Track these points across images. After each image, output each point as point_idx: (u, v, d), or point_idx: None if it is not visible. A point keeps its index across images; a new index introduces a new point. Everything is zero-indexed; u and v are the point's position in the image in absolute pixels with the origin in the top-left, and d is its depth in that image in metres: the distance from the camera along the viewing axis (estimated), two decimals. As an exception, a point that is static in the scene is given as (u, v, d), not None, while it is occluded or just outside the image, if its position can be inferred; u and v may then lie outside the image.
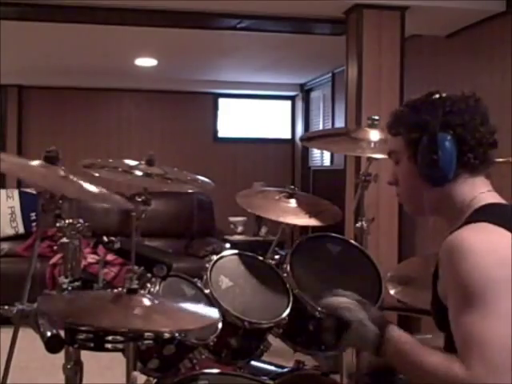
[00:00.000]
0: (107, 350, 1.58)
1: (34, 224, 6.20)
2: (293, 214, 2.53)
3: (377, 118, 2.63)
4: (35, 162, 1.82)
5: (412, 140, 1.57)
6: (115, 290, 1.83)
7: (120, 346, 1.61)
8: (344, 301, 1.59)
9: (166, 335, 1.70)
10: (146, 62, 5.84)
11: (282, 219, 2.52)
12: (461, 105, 1.54)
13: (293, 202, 2.57)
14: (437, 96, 1.57)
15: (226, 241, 6.33)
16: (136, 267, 1.95)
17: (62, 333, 1.65)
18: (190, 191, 2.51)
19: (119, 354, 1.83)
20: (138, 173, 2.17)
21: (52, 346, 1.64)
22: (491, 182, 1.60)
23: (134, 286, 1.73)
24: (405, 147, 1.60)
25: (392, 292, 2.45)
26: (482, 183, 1.56)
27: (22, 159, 1.95)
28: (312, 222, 2.51)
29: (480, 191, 1.54)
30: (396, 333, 1.48)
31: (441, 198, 1.57)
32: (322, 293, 1.68)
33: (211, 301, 2.12)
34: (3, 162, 1.71)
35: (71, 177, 1.79)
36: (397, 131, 1.62)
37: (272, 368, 2.40)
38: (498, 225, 1.42)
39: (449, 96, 1.57)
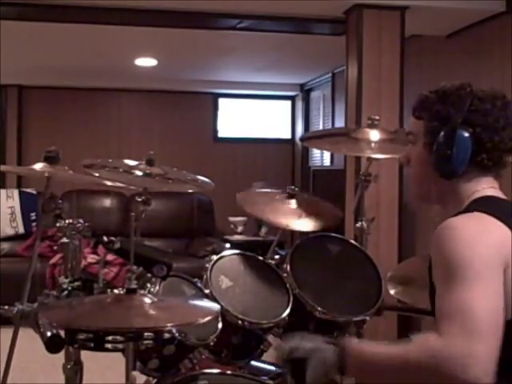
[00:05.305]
0: (107, 350, 1.58)
1: (34, 224, 6.19)
2: (292, 216, 2.53)
3: (377, 117, 2.64)
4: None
5: (431, 128, 1.57)
6: (115, 291, 1.83)
7: (120, 346, 1.61)
8: (289, 344, 1.52)
9: (167, 335, 1.70)
10: (146, 61, 5.84)
11: (281, 222, 2.52)
12: (487, 105, 1.53)
13: (293, 203, 2.57)
14: (467, 90, 1.56)
15: (226, 241, 6.33)
16: (136, 267, 1.95)
17: (62, 333, 1.65)
18: (190, 191, 2.51)
19: (119, 354, 1.83)
20: (138, 173, 2.17)
21: (52, 346, 1.64)
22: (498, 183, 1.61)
23: (133, 285, 1.73)
24: (423, 133, 1.60)
25: (392, 292, 2.45)
26: (488, 182, 1.57)
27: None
28: (311, 224, 2.50)
29: (482, 187, 1.55)
30: (354, 342, 1.45)
31: (447, 191, 1.59)
32: (322, 293, 1.66)
33: (211, 301, 2.12)
34: None
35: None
36: (420, 115, 1.62)
37: (272, 368, 2.40)
38: (491, 215, 1.43)
39: (478, 92, 1.55)
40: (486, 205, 1.48)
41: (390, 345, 1.39)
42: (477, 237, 1.38)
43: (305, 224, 2.50)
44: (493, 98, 1.55)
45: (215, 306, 1.83)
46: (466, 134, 1.51)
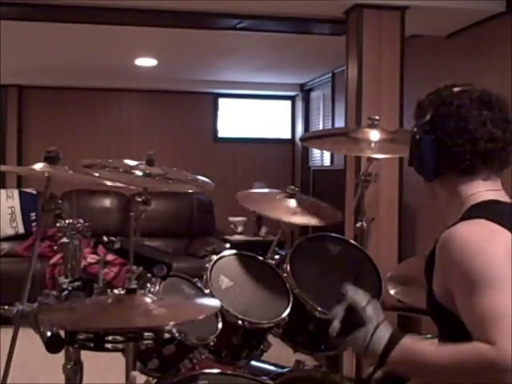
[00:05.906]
0: (107, 349, 1.58)
1: (34, 224, 6.19)
2: (293, 214, 2.53)
3: (377, 117, 2.64)
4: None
5: (410, 132, 1.63)
6: (115, 291, 1.83)
7: (120, 346, 1.61)
8: (369, 298, 1.55)
9: (167, 335, 1.70)
10: (146, 61, 5.84)
11: (282, 218, 2.52)
12: (451, 108, 1.52)
13: (293, 202, 2.57)
14: (438, 94, 1.57)
15: (226, 241, 6.33)
16: (136, 267, 1.95)
17: (62, 333, 1.65)
18: (190, 191, 2.51)
19: (119, 354, 1.83)
20: (138, 173, 2.17)
21: (52, 346, 1.64)
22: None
23: (133, 285, 1.73)
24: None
25: (392, 292, 2.45)
26: (481, 184, 1.54)
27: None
28: (312, 221, 2.50)
29: (478, 190, 1.53)
30: (403, 340, 1.43)
31: (436, 191, 1.61)
32: (322, 293, 1.66)
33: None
34: None
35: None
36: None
37: (272, 368, 2.40)
38: (492, 221, 1.41)
39: (449, 96, 1.55)
40: (487, 211, 1.46)
41: (440, 347, 1.39)
42: (487, 245, 1.37)
43: (305, 220, 2.50)
44: (466, 98, 1.52)
45: (215, 303, 1.83)
46: (429, 139, 1.53)
